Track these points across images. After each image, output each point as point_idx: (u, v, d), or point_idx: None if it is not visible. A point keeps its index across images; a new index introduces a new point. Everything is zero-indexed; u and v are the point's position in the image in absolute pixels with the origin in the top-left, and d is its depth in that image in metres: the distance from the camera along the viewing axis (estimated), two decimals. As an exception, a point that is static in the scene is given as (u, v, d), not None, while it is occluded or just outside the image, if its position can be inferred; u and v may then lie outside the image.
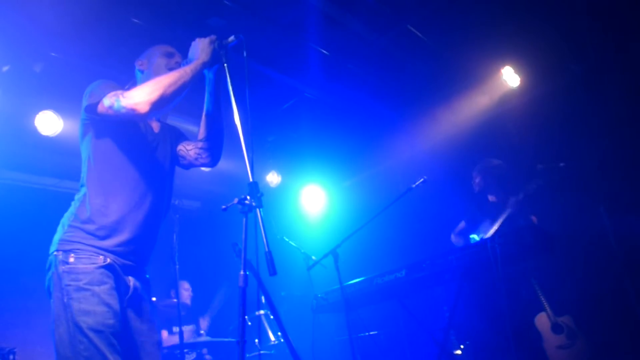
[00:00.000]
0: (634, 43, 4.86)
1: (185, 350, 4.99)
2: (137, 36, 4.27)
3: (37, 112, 4.89)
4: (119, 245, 2.26)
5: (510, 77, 5.59)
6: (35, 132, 4.88)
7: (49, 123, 4.92)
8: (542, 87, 5.56)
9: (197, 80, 2.37)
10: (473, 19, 4.85)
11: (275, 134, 6.55)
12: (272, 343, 5.39)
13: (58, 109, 4.96)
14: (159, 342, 2.39)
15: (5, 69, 4.46)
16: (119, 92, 2.24)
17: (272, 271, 1.96)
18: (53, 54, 4.52)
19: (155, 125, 2.62)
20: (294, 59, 5.13)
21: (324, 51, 5.11)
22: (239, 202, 2.10)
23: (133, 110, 2.18)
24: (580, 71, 5.31)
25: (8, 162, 5.14)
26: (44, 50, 4.48)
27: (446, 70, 5.58)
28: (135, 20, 4.23)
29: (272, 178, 6.94)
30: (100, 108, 2.24)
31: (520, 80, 5.59)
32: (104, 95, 2.23)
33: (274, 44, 4.83)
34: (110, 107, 2.21)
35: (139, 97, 2.19)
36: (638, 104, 4.80)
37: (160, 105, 2.22)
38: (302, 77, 5.47)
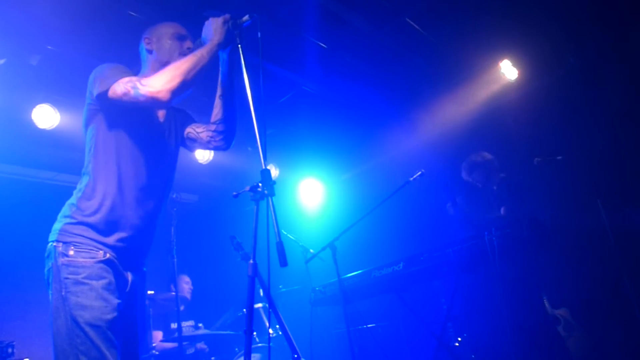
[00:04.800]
0: (632, 35, 4.86)
1: (185, 343, 5.00)
2: (134, 29, 4.23)
3: (33, 106, 4.87)
4: (120, 239, 2.21)
5: (508, 70, 5.58)
6: (32, 125, 4.87)
7: (46, 116, 4.91)
8: (540, 80, 5.56)
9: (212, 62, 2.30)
10: (471, 12, 4.83)
11: (273, 128, 6.54)
12: (271, 336, 5.40)
13: (55, 103, 4.94)
14: (142, 338, 2.38)
15: (1, 62, 4.44)
16: (134, 78, 2.17)
17: (283, 262, 1.92)
18: (49, 47, 4.49)
19: (162, 111, 2.55)
20: (291, 52, 5.12)
21: (322, 44, 5.09)
22: (250, 190, 2.06)
23: (153, 98, 2.12)
24: (579, 64, 5.30)
25: (5, 155, 5.13)
26: (40, 43, 4.45)
27: (444, 63, 5.57)
28: (132, 13, 4.21)
29: (270, 171, 6.93)
30: (111, 94, 2.16)
31: (519, 73, 5.59)
32: (115, 80, 2.16)
33: (271, 37, 4.81)
34: (126, 94, 2.13)
35: (160, 84, 2.12)
36: (636, 96, 4.80)
37: (181, 92, 2.17)
38: (300, 71, 5.45)
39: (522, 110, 5.56)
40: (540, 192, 5.03)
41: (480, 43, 5.26)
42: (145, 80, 2.15)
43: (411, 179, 4.24)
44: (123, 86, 2.15)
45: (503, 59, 5.56)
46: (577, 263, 4.86)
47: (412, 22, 4.95)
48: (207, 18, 2.35)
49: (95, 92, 2.21)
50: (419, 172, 4.23)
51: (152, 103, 2.15)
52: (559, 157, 4.23)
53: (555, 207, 4.96)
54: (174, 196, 4.44)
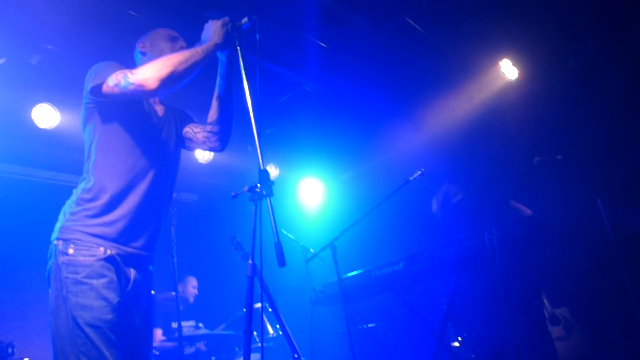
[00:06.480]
0: (631, 35, 4.86)
1: (184, 344, 5.00)
2: (134, 29, 4.23)
3: (33, 105, 4.88)
4: (123, 231, 2.21)
5: (508, 70, 5.58)
6: (32, 125, 4.87)
7: (46, 116, 4.92)
8: (540, 79, 5.56)
9: (209, 62, 2.32)
10: (471, 11, 4.83)
11: (273, 127, 6.53)
12: (271, 336, 5.40)
13: (55, 102, 4.94)
14: (150, 339, 2.37)
15: (1, 61, 4.44)
16: (126, 70, 2.18)
17: (282, 262, 1.92)
18: (49, 47, 4.49)
19: (160, 109, 2.56)
20: (291, 51, 5.11)
21: (322, 44, 5.08)
22: (249, 190, 2.06)
23: (141, 86, 2.11)
24: (578, 64, 5.30)
25: (5, 155, 5.13)
26: (40, 42, 4.44)
27: (444, 62, 5.56)
28: (132, 13, 4.21)
29: (270, 171, 6.94)
30: (105, 88, 2.17)
31: (519, 73, 5.58)
32: (109, 75, 2.17)
33: (272, 37, 4.81)
34: (116, 86, 2.14)
35: (149, 73, 2.13)
36: (635, 96, 4.80)
37: (170, 82, 2.17)
38: (300, 70, 5.44)
39: (522, 109, 5.56)
40: (541, 191, 5.03)
41: (481, 42, 5.25)
42: (135, 70, 2.17)
43: (411, 178, 4.23)
44: (115, 78, 2.16)
45: (503, 58, 5.55)
46: (577, 262, 4.86)
47: (412, 22, 4.94)
48: (207, 18, 2.36)
49: (89, 87, 2.22)
50: (419, 172, 4.22)
51: (140, 92, 2.14)
52: (559, 156, 4.22)
53: (555, 206, 4.96)
54: (174, 196, 4.42)
